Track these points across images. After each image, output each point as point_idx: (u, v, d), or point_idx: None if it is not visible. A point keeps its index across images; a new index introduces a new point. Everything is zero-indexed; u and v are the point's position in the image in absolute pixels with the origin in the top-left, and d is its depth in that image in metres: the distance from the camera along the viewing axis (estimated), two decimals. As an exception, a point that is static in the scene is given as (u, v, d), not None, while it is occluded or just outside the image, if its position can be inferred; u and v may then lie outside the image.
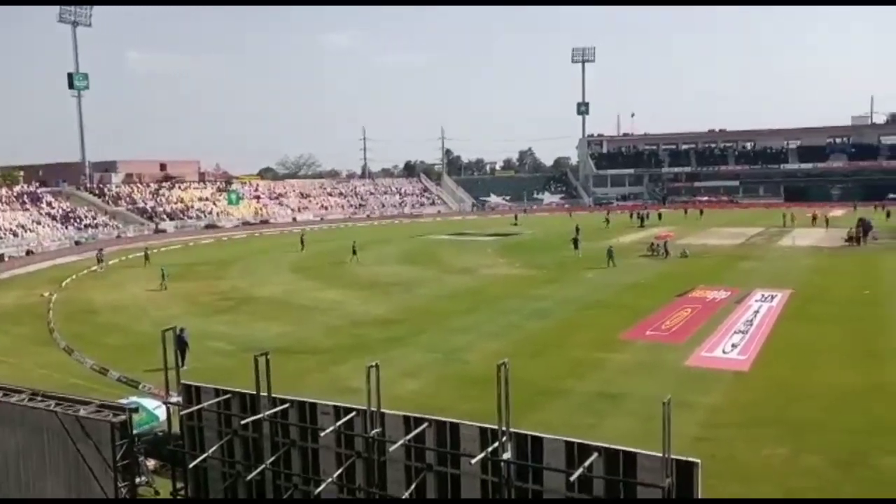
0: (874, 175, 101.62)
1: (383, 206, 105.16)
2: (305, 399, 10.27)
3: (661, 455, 7.31)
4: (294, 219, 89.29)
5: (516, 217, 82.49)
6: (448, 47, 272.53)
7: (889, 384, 16.84)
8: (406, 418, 9.25)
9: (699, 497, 7.38)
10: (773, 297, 28.08)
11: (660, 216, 78.64)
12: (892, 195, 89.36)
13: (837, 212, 76.29)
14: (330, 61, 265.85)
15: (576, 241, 46.64)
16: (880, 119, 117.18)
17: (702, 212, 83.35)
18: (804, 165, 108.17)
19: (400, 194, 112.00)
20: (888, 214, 66.95)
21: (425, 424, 9.02)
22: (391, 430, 9.27)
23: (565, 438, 8.09)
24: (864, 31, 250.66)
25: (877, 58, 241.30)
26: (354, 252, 45.58)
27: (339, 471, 9.57)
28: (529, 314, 26.76)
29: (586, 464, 7.60)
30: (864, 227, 48.87)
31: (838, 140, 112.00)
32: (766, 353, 20.06)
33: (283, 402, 10.15)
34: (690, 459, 7.40)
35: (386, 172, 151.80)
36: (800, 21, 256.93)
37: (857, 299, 27.80)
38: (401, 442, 8.97)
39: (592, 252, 45.38)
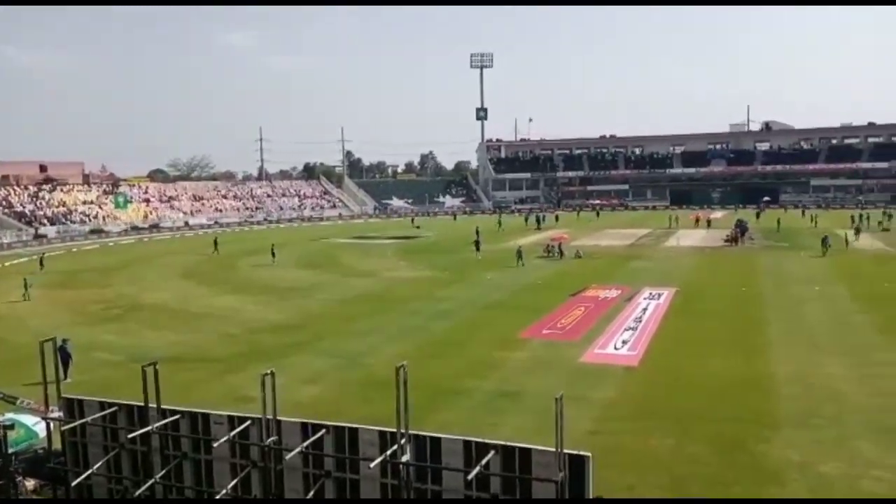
0: (751, 179, 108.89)
1: (281, 208, 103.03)
2: (197, 409, 9.90)
3: (554, 450, 7.52)
4: (186, 223, 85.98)
5: (412, 220, 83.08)
6: (344, 50, 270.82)
7: (764, 375, 18.05)
8: (304, 425, 9.10)
9: (590, 487, 7.64)
10: (660, 295, 29.54)
11: (557, 218, 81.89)
12: (766, 198, 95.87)
13: (718, 214, 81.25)
14: (224, 61, 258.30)
15: (477, 244, 47.44)
16: (756, 126, 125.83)
17: (598, 213, 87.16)
18: (688, 170, 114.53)
19: (299, 197, 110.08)
20: (758, 216, 72.15)
21: (323, 430, 8.91)
22: (288, 438, 9.09)
23: (464, 438, 8.20)
24: (747, 44, 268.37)
25: (754, 67, 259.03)
26: (273, 254, 45.39)
27: (234, 482, 9.29)
28: (432, 316, 26.92)
29: (483, 462, 7.73)
30: (741, 228, 52.29)
31: (718, 146, 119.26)
32: (654, 349, 21.05)
33: (173, 413, 9.75)
34: (582, 453, 7.67)
35: (284, 174, 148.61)
36: (688, 33, 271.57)
37: (736, 296, 29.67)
38: (298, 449, 8.81)
39: (492, 254, 46.23)
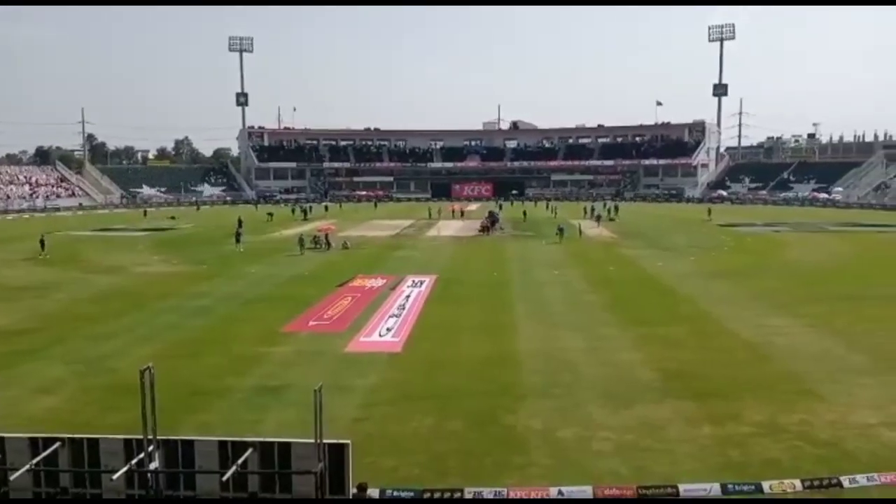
0: (502, 174, 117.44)
1: (8, 197, 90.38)
2: None
3: (314, 441, 7.50)
4: None
5: (174, 217, 77.64)
6: (86, 23, 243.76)
7: (512, 352, 19.64)
8: (33, 440, 8.11)
9: (350, 475, 7.75)
10: (422, 283, 30.80)
11: (326, 209, 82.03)
12: (514, 192, 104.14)
13: (473, 206, 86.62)
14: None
15: (238, 235, 45.58)
16: (505, 125, 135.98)
17: (376, 204, 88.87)
18: (447, 164, 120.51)
19: (30, 184, 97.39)
20: (500, 207, 78.30)
21: (57, 444, 8.00)
22: (15, 456, 8.03)
23: (219, 439, 7.86)
24: (501, 49, 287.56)
25: (504, 71, 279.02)
26: (42, 246, 40.42)
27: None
28: (188, 313, 25.37)
29: (239, 461, 7.47)
30: (493, 219, 56.36)
31: (473, 143, 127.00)
32: (416, 334, 21.90)
33: None
34: (341, 441, 7.74)
35: (11, 159, 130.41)
36: (451, 34, 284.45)
37: (488, 281, 31.93)
38: (25, 468, 7.81)
39: (256, 246, 44.81)
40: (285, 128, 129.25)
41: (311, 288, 30.12)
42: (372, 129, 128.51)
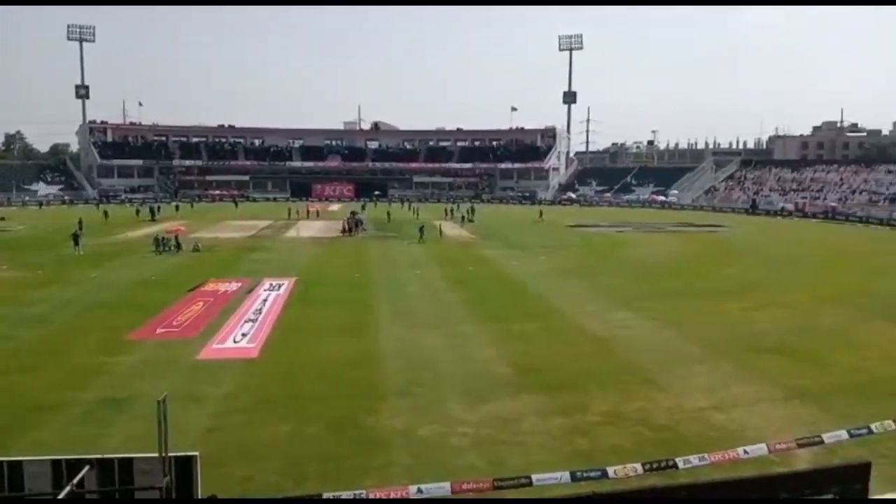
0: (364, 175, 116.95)
1: None
2: None
3: (158, 455, 7.10)
4: None
5: (3, 218, 70.58)
6: None
7: (374, 353, 19.61)
8: None
9: (199, 488, 7.41)
10: (280, 286, 30.01)
11: (177, 208, 78.01)
12: (377, 192, 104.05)
13: (335, 206, 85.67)
14: None
15: (76, 237, 42.16)
16: (366, 126, 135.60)
17: (237, 204, 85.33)
18: (307, 163, 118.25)
19: None
20: (363, 207, 78.06)
21: None
22: None
23: (52, 458, 7.23)
24: (359, 50, 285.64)
25: (364, 72, 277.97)
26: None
27: None
28: (21, 322, 23.18)
29: (75, 481, 6.92)
30: (355, 220, 56.03)
31: (334, 142, 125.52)
32: (274, 338, 21.31)
33: None
34: (189, 454, 7.38)
35: None
36: (304, 31, 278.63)
37: (350, 282, 31.69)
38: None
39: (98, 249, 41.78)
40: (131, 123, 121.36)
41: (158, 293, 28.46)
42: (226, 125, 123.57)
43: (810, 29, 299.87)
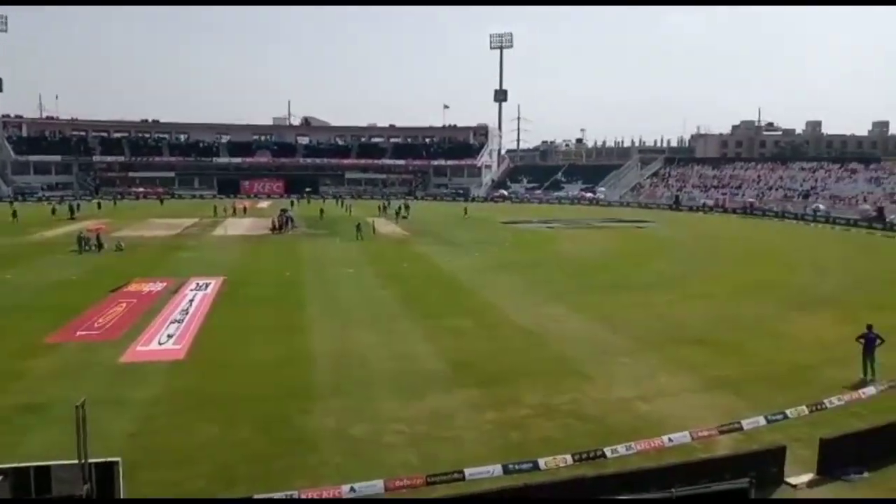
0: (294, 171, 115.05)
1: None
2: None
3: (77, 462, 6.82)
4: None
5: None
6: None
7: (305, 352, 19.36)
8: None
9: (122, 494, 7.15)
10: (207, 285, 29.24)
11: (99, 206, 75.05)
12: (308, 189, 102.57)
13: (264, 203, 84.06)
14: None
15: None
16: (297, 121, 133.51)
17: (162, 201, 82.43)
18: (234, 160, 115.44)
19: None
20: (292, 204, 76.72)
21: None
22: None
23: (-41, 469, 6.85)
24: (280, 50, 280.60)
25: (295, 69, 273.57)
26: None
27: None
28: (-78, 328, 21.85)
29: (-14, 492, 6.58)
30: (285, 217, 55.08)
31: (263, 138, 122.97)
32: (201, 339, 20.76)
33: None
34: (110, 460, 7.11)
35: None
36: (222, 29, 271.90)
37: (281, 281, 31.15)
38: None
39: (12, 249, 39.81)
40: (48, 117, 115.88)
41: (78, 295, 27.30)
42: (150, 120, 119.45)
43: (729, 32, 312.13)
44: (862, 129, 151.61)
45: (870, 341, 17.15)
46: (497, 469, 11.78)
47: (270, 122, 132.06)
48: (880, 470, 12.27)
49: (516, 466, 11.90)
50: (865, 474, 12.09)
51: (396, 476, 11.52)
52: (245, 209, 69.88)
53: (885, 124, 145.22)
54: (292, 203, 77.94)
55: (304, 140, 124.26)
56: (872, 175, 79.89)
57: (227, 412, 14.65)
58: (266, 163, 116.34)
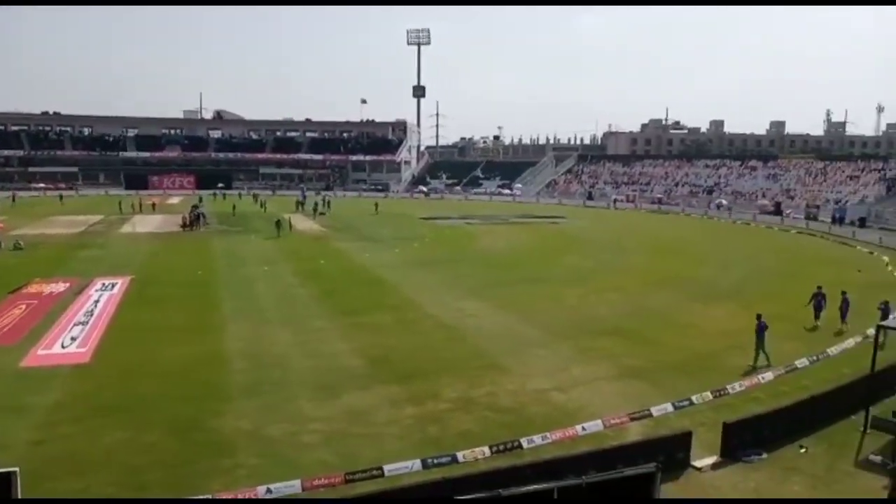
0: (206, 166, 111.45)
1: None
2: None
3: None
4: None
5: None
6: None
7: (219, 353, 18.88)
8: None
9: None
10: (114, 285, 28.02)
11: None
12: (221, 185, 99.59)
13: (175, 199, 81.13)
14: None
15: None
16: (209, 115, 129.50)
17: (61, 197, 77.74)
18: (143, 154, 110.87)
19: None
20: (201, 199, 73.82)
21: None
22: None
23: None
24: (191, 43, 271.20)
25: (206, 62, 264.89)
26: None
27: None
28: None
29: None
30: (197, 213, 53.33)
31: (173, 131, 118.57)
32: (108, 341, 19.92)
33: None
34: (7, 470, 6.77)
35: None
36: (129, 19, 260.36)
37: (193, 280, 30.16)
38: None
39: None
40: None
41: (-29, 296, 25.65)
42: (51, 112, 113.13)
43: (637, 33, 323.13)
44: (761, 128, 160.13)
45: (760, 329, 18.28)
46: (416, 464, 11.86)
47: (181, 116, 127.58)
48: (777, 451, 13.08)
49: (435, 461, 12.02)
50: (764, 455, 12.86)
51: (314, 475, 11.41)
52: (154, 205, 67.19)
53: (782, 124, 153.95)
54: (200, 199, 74.84)
55: (216, 134, 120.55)
56: (770, 172, 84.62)
57: (136, 416, 14.14)
58: (176, 157, 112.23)
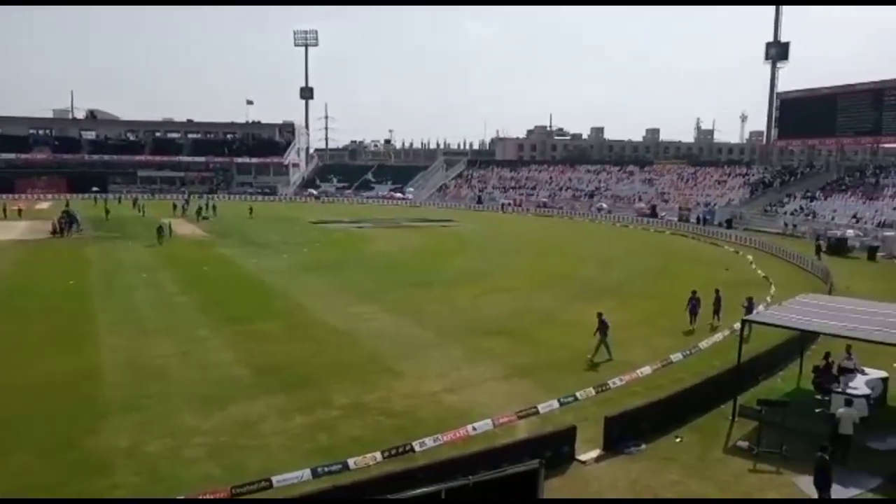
0: (79, 168, 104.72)
1: None
2: None
3: None
4: None
5: None
6: None
7: (92, 367, 17.77)
8: None
9: None
10: (-28, 297, 25.79)
11: None
12: (95, 188, 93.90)
13: (44, 204, 75.78)
14: None
15: None
16: (81, 114, 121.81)
17: None
18: (7, 155, 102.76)
19: None
20: (68, 203, 68.99)
21: None
22: None
23: None
24: (60, 38, 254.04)
25: (77, 58, 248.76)
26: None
27: None
28: None
29: None
30: (69, 219, 50.00)
31: (42, 132, 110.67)
32: (-36, 359, 18.29)
33: None
34: None
35: None
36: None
37: (63, 290, 28.20)
38: None
39: None
40: None
41: None
42: None
43: (523, 41, 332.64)
44: (638, 135, 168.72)
45: (603, 326, 19.29)
46: (306, 473, 11.63)
47: (50, 115, 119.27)
48: (654, 441, 13.80)
49: (325, 469, 11.83)
50: (643, 447, 13.53)
51: (198, 491, 10.96)
52: (20, 211, 62.42)
53: (657, 131, 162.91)
54: (67, 203, 69.26)
55: (89, 135, 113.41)
56: (646, 177, 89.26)
57: (2, 437, 13.06)
58: (45, 159, 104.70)
